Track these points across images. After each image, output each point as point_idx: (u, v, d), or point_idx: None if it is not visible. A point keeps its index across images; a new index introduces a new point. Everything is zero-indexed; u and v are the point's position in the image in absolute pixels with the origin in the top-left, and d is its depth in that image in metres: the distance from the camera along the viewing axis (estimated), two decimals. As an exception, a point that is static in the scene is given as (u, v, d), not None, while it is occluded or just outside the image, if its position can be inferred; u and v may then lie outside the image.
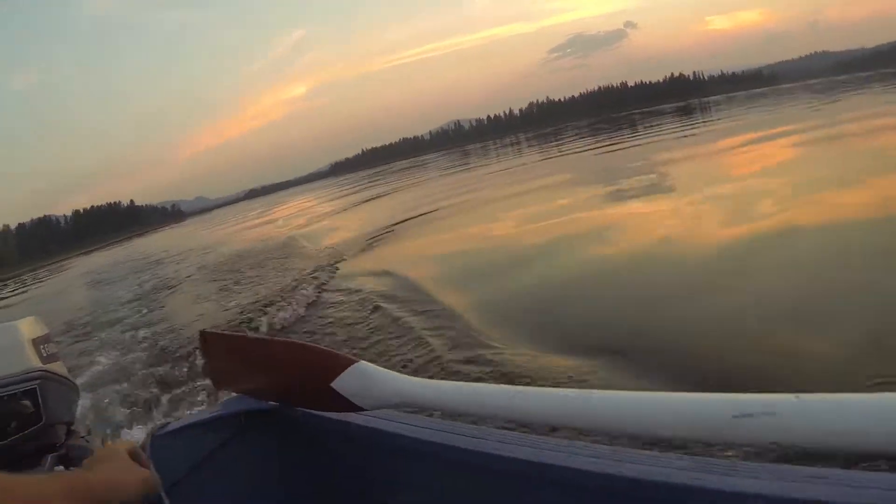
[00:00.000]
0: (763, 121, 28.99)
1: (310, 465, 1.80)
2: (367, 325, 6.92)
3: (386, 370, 1.46)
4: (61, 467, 1.46)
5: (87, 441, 1.58)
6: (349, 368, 1.46)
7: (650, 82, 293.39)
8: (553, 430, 1.65)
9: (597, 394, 1.15)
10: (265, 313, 8.25)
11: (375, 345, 6.18)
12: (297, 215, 33.47)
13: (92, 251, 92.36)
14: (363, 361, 1.47)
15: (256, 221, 38.45)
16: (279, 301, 8.87)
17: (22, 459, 1.43)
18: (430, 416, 1.49)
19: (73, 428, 1.60)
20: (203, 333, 2.06)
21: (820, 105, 33.86)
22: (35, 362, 1.50)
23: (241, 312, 8.80)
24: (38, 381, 1.48)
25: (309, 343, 1.60)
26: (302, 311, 8.20)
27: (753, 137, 20.39)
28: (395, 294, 8.07)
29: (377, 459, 1.58)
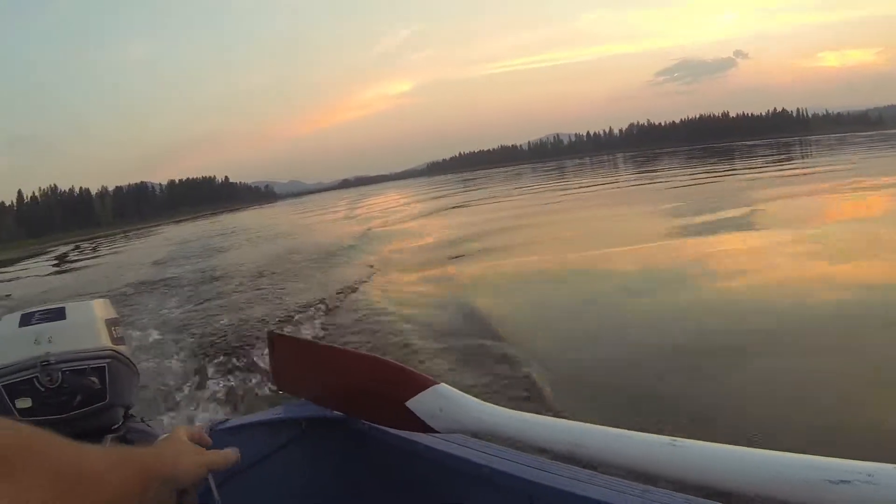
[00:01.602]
0: (858, 166, 27.59)
1: (370, 479, 1.73)
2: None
3: (467, 395, 1.37)
4: None
5: (149, 426, 1.61)
6: (428, 389, 1.39)
7: (752, 115, 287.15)
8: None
9: (686, 442, 1.06)
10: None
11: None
12: (378, 215, 33.25)
13: (181, 221, 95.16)
14: (444, 384, 1.39)
15: (340, 214, 39.03)
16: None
17: (82, 435, 1.16)
18: (512, 446, 1.37)
19: (131, 412, 1.63)
20: (271, 335, 1.96)
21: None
22: (107, 342, 1.53)
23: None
24: (107, 360, 1.52)
25: (385, 358, 1.51)
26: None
27: (848, 184, 19.42)
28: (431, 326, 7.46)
29: (444, 482, 1.50)
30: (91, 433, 1.47)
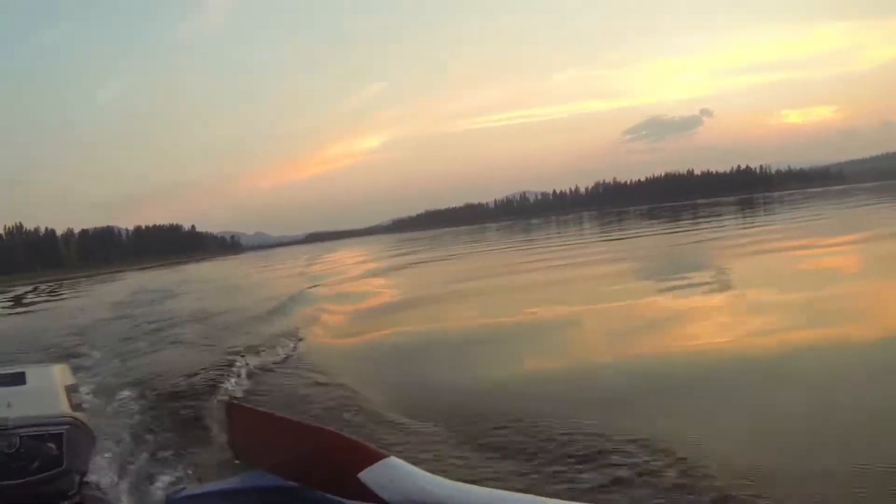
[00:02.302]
0: (812, 224, 29.87)
1: None
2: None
3: (417, 468, 1.48)
4: None
5: (104, 495, 1.68)
6: (380, 462, 1.49)
7: (716, 172, 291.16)
8: None
9: None
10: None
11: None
12: (329, 273, 34.69)
13: (146, 268, 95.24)
14: (394, 457, 1.50)
15: (296, 270, 40.45)
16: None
17: (37, 502, 1.51)
18: None
19: (87, 479, 1.67)
20: (229, 405, 2.14)
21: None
22: (66, 408, 1.58)
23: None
24: (66, 427, 1.55)
25: (339, 431, 1.66)
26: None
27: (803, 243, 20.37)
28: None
29: None
30: (46, 499, 1.54)
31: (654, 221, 52.75)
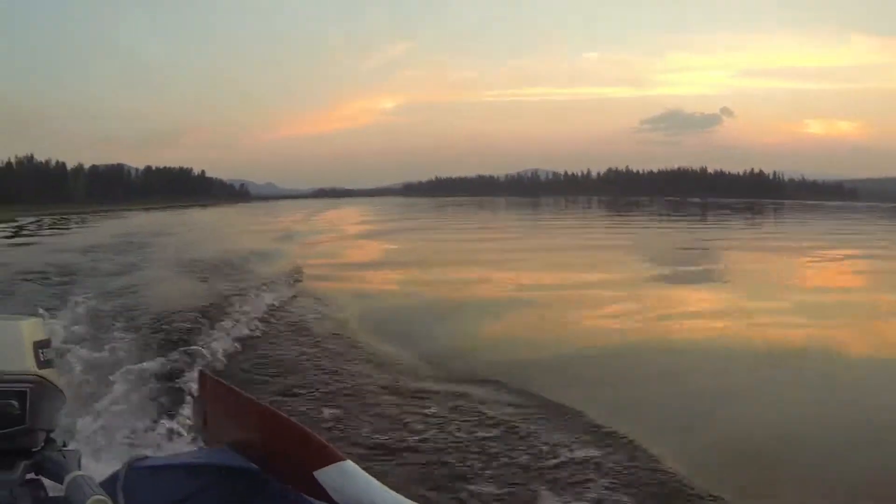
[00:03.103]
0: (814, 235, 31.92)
1: None
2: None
3: (370, 477, 1.52)
4: (32, 474, 1.54)
5: (65, 456, 1.60)
6: (335, 464, 1.54)
7: (729, 173, 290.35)
8: None
9: None
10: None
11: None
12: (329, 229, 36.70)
13: (152, 209, 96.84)
14: (350, 462, 1.55)
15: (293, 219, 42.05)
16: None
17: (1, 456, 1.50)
18: None
19: (52, 436, 1.65)
20: (202, 376, 2.17)
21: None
22: (31, 366, 1.54)
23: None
24: (30, 385, 1.52)
25: (304, 426, 1.68)
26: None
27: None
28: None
29: None
30: (5, 455, 1.50)
31: (662, 216, 53.36)
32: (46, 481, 1.56)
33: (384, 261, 19.35)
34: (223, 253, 19.19)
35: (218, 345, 8.16)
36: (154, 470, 1.85)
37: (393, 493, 1.49)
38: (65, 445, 1.66)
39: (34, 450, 1.57)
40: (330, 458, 1.55)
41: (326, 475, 1.53)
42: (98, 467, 1.88)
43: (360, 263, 18.52)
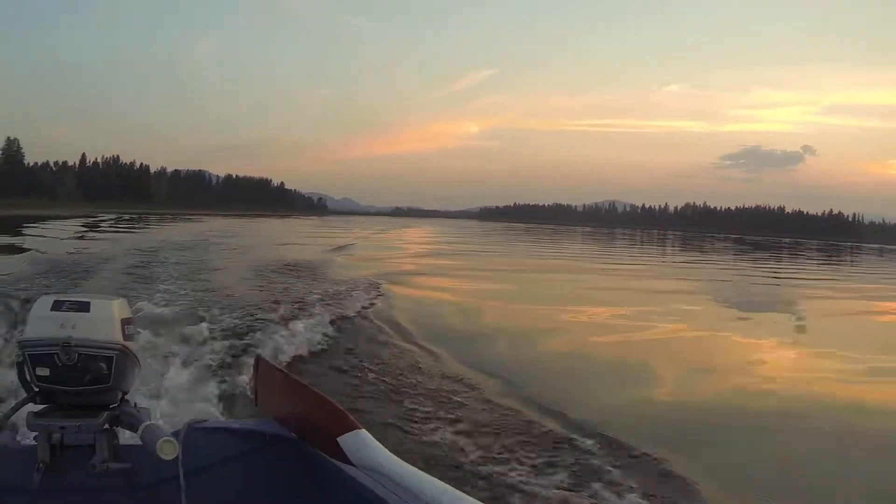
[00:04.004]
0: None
1: (306, 496, 2.13)
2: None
3: (379, 444, 1.77)
4: (107, 425, 1.93)
5: (138, 412, 1.99)
6: (353, 432, 1.79)
7: (807, 213, 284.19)
8: None
9: None
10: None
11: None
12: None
13: (230, 216, 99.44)
14: (364, 430, 1.80)
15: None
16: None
17: (84, 406, 1.92)
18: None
19: (126, 396, 2.05)
20: (258, 359, 2.54)
21: None
22: (118, 337, 1.94)
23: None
24: (116, 352, 1.91)
25: (331, 399, 1.95)
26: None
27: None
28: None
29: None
30: (91, 407, 1.93)
31: (741, 254, 51.91)
32: (119, 432, 1.98)
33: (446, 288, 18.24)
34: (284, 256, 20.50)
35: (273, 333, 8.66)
36: (209, 431, 2.21)
37: (396, 458, 1.71)
38: (135, 405, 2.04)
39: (112, 406, 1.98)
40: (349, 426, 1.81)
41: (345, 440, 1.79)
42: (162, 426, 2.03)
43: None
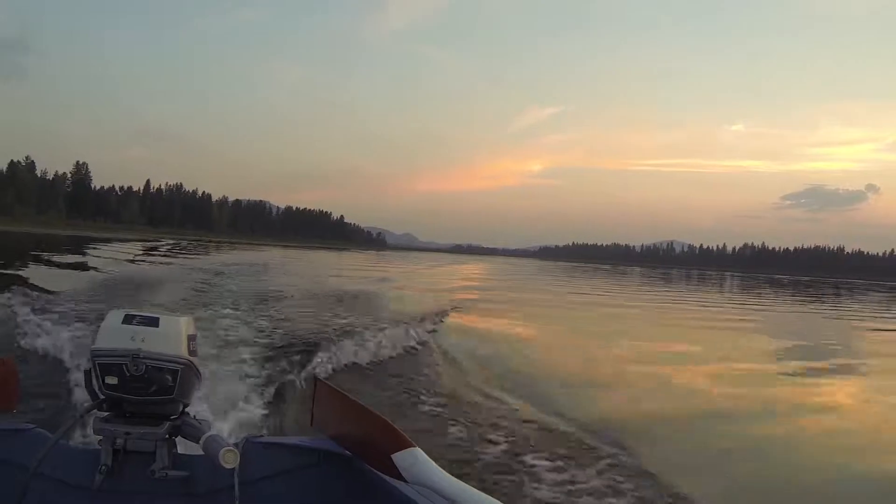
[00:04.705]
0: None
1: None
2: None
3: (432, 462, 1.83)
4: (167, 435, 2.02)
5: (199, 423, 2.08)
6: (408, 450, 1.84)
7: (867, 253, 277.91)
8: None
9: None
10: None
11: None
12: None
13: (289, 247, 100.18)
14: (418, 448, 1.85)
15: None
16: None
17: (148, 416, 2.02)
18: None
19: (187, 409, 2.13)
20: (316, 379, 2.59)
21: None
22: (184, 353, 2.04)
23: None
24: (182, 366, 2.00)
25: (386, 418, 2.00)
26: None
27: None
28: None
29: None
30: (154, 416, 2.02)
31: (806, 297, 50.24)
32: (178, 442, 2.06)
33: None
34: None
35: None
36: (266, 445, 2.29)
37: (451, 476, 1.77)
38: (194, 417, 2.14)
39: (173, 416, 2.06)
40: (404, 444, 1.86)
41: (400, 458, 1.85)
42: (222, 438, 2.11)
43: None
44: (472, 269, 61.92)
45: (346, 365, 8.89)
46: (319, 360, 8.43)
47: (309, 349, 8.78)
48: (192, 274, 21.19)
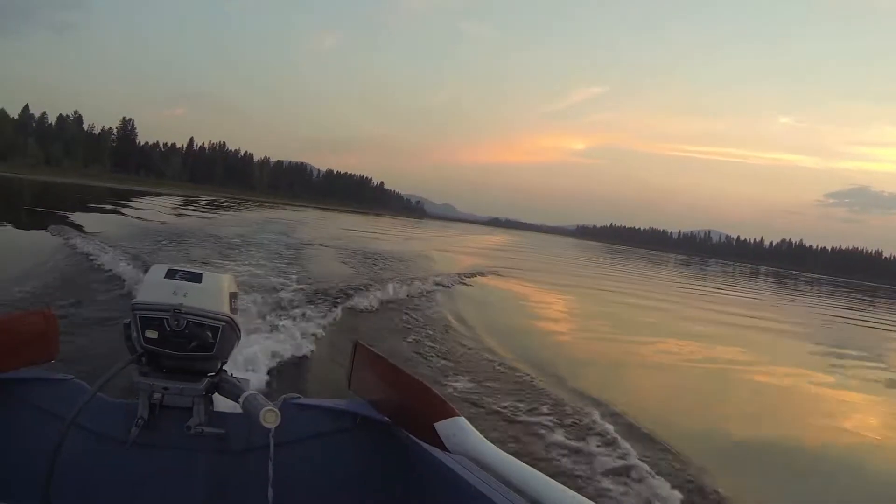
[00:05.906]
0: None
1: (397, 476, 2.16)
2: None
3: (474, 430, 1.78)
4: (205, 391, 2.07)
5: (238, 381, 2.10)
6: (451, 419, 1.81)
7: None
8: None
9: None
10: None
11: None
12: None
13: (327, 209, 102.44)
14: (462, 417, 1.81)
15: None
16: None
17: (186, 371, 2.07)
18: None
19: (225, 367, 2.18)
20: (356, 344, 2.50)
21: None
22: (226, 309, 2.07)
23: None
24: (223, 323, 2.05)
25: (429, 385, 1.97)
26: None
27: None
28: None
29: (447, 492, 1.94)
30: (193, 372, 2.06)
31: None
32: (214, 399, 2.11)
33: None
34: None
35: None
36: (303, 407, 2.31)
37: (494, 447, 1.73)
38: (231, 375, 2.16)
39: (211, 373, 2.10)
40: (447, 413, 1.83)
41: (442, 426, 1.81)
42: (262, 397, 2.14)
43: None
44: (500, 240, 63.02)
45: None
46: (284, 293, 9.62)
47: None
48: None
